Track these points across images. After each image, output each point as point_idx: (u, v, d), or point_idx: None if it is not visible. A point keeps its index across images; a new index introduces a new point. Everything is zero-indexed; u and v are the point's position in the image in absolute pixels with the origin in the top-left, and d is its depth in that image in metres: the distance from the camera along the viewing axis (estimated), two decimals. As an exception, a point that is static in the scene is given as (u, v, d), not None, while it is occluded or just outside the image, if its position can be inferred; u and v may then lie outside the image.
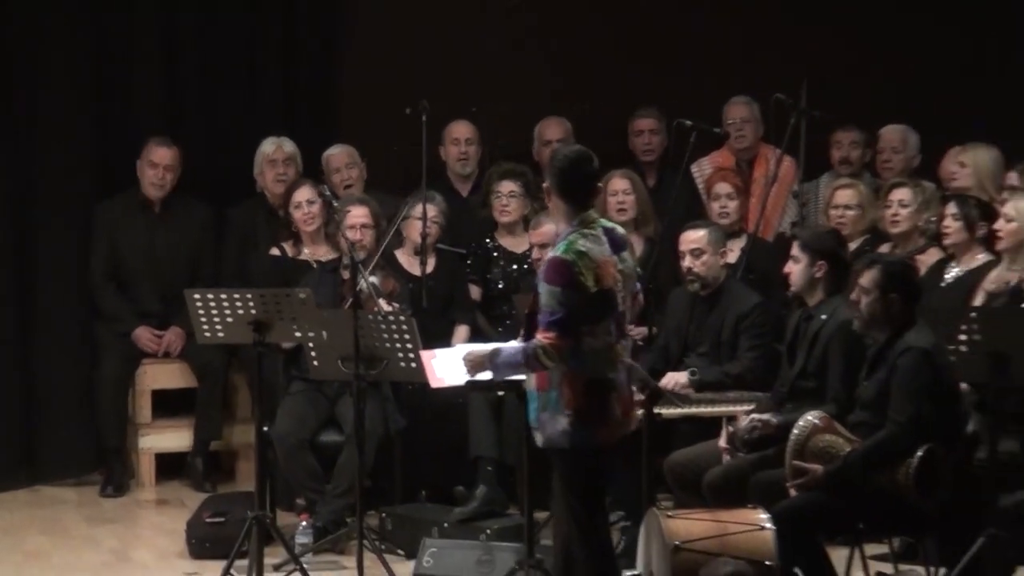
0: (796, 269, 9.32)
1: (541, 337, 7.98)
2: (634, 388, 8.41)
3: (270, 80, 12.07)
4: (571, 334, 8.02)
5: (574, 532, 8.29)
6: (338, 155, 11.49)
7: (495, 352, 8.25)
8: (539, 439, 8.17)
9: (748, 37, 12.11)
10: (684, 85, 11.83)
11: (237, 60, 12.01)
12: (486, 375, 8.64)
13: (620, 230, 8.36)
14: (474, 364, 8.27)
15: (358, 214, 10.50)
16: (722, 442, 9.27)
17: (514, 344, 8.22)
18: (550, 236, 9.79)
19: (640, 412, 9.01)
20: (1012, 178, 10.54)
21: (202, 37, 11.91)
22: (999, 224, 9.77)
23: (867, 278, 8.78)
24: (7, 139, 11.54)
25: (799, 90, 10.79)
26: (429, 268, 10.77)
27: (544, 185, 8.32)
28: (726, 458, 9.23)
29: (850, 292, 9.12)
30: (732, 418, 9.39)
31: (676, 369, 10.06)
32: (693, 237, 10.08)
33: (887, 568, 9.22)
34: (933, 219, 10.55)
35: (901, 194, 10.52)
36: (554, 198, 8.24)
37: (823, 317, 9.24)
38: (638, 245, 10.72)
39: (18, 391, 11.61)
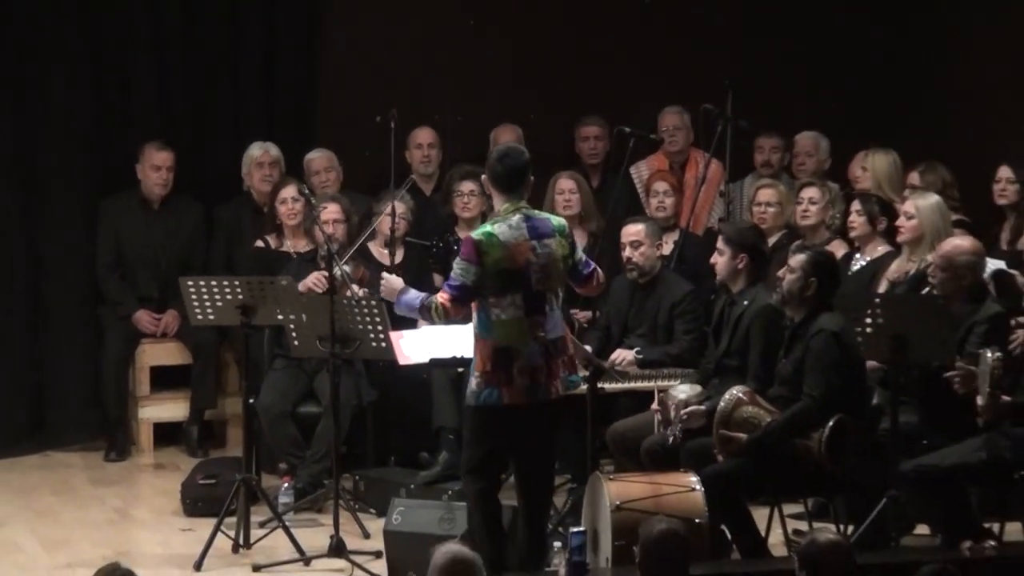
0: (721, 261, 9.36)
1: (438, 296, 8.21)
2: (563, 362, 8.36)
3: (255, 92, 12.02)
4: (465, 301, 8.25)
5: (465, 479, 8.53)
6: (318, 159, 11.48)
7: (404, 289, 8.46)
8: None
9: (680, 53, 12.10)
10: (624, 96, 11.83)
11: (224, 74, 11.96)
12: (426, 333, 9.33)
13: (551, 221, 8.42)
14: (388, 291, 8.47)
15: (332, 210, 10.56)
16: (656, 420, 9.30)
17: (421, 293, 8.39)
18: None
19: (584, 386, 9.00)
20: (913, 178, 10.61)
21: (192, 53, 11.85)
22: (901, 220, 9.84)
23: (796, 260, 8.85)
24: (21, 141, 11.50)
25: (725, 101, 10.84)
26: (398, 259, 10.83)
27: (483, 177, 8.48)
28: (657, 422, 9.25)
29: (770, 281, 9.20)
30: (663, 390, 9.40)
31: (616, 348, 10.08)
32: (633, 230, 10.13)
33: (802, 525, 9.22)
34: (838, 215, 10.66)
35: (810, 192, 10.61)
36: (491, 188, 8.43)
37: (745, 303, 9.28)
38: (583, 239, 10.72)
39: (30, 366, 11.62)
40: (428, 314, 8.35)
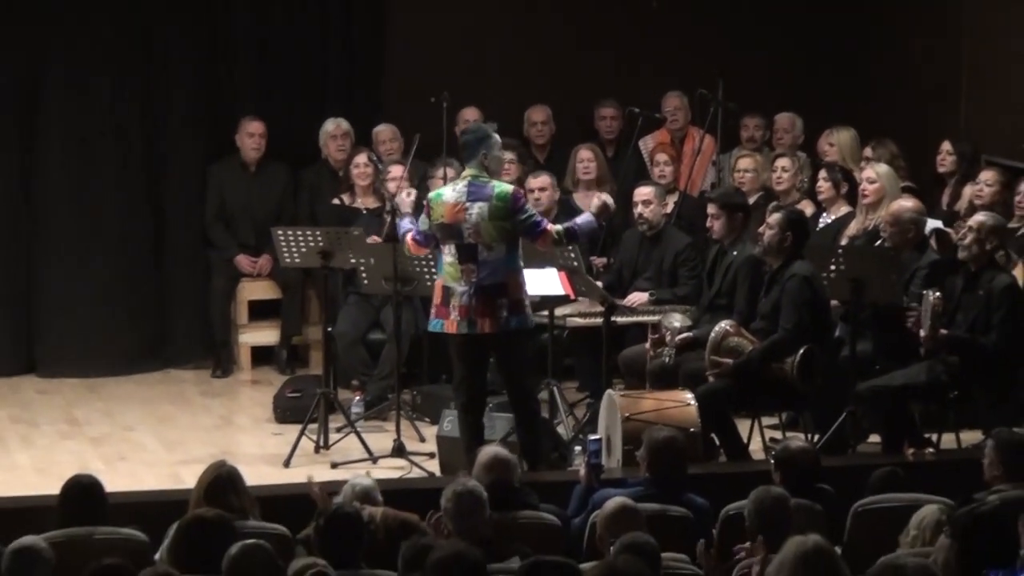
0: (718, 224, 9.35)
1: (408, 235, 8.64)
2: (502, 304, 8.34)
3: (333, 74, 11.91)
4: (423, 244, 8.61)
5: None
6: (384, 131, 11.42)
7: (403, 215, 8.92)
8: None
9: (679, 47, 11.99)
10: (634, 82, 11.75)
11: (308, 59, 11.85)
12: None
13: (494, 187, 8.39)
14: (400, 204, 9.10)
15: (396, 173, 10.60)
16: (648, 344, 9.31)
17: (411, 225, 8.68)
18: (547, 183, 10.55)
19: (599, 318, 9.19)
20: (868, 152, 10.64)
21: (283, 41, 11.76)
22: (864, 184, 9.87)
23: (773, 218, 8.91)
24: (147, 117, 11.46)
25: (717, 87, 10.78)
26: None
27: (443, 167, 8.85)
28: (650, 355, 9.26)
29: (752, 234, 9.24)
30: (655, 326, 9.40)
31: (627, 289, 10.08)
32: (644, 191, 10.14)
33: (777, 434, 9.23)
34: (806, 180, 10.70)
35: (783, 162, 10.64)
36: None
37: (734, 253, 9.30)
38: (596, 200, 10.82)
39: (154, 300, 11.58)
40: (402, 245, 8.79)
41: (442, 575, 5.27)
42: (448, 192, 8.46)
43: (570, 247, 9.18)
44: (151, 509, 7.08)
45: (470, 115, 11.47)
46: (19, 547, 6.06)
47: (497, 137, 8.64)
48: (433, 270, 9.37)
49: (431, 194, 8.62)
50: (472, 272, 8.31)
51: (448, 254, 8.40)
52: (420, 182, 10.78)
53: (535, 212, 8.67)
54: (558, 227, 8.55)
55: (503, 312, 8.33)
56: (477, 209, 8.29)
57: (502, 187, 8.45)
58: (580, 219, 8.73)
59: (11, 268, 11.37)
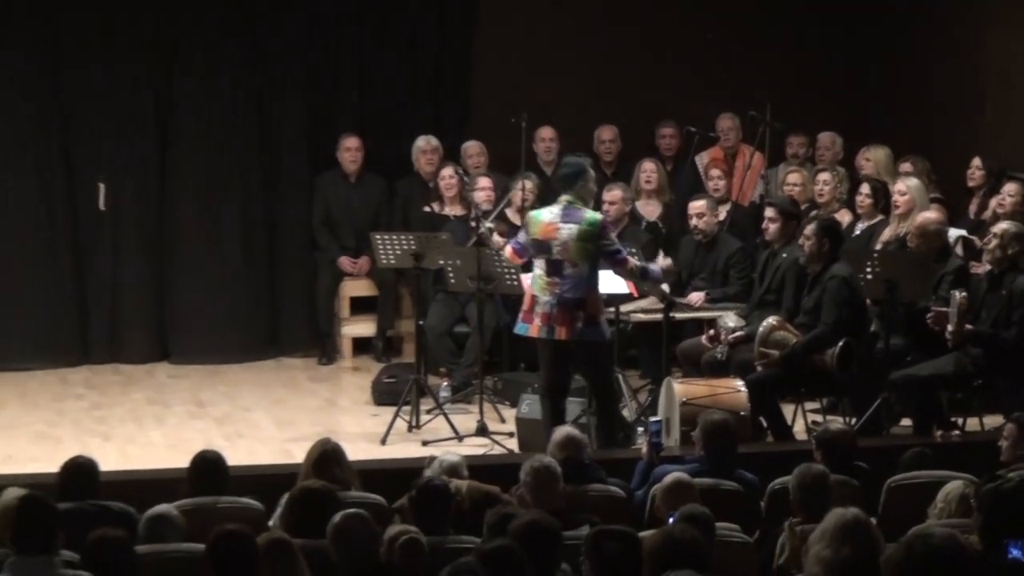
0: (773, 227, 9.36)
1: (507, 246, 8.79)
2: (578, 316, 8.35)
3: (425, 97, 11.93)
4: (521, 254, 8.63)
5: None
6: (471, 147, 11.43)
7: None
8: None
9: (730, 71, 11.97)
10: (691, 105, 11.69)
11: (403, 84, 11.85)
12: None
13: (586, 214, 8.43)
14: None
15: (483, 184, 10.62)
16: (704, 339, 9.32)
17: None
18: (618, 198, 10.41)
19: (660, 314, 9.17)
20: (905, 167, 10.55)
21: (381, 68, 11.77)
22: (896, 196, 9.80)
23: (809, 229, 8.85)
24: (262, 136, 11.53)
25: (765, 109, 10.73)
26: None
27: (531, 174, 9.04)
28: (708, 346, 9.27)
29: (798, 239, 9.19)
30: (712, 322, 9.41)
31: (685, 289, 10.06)
32: (698, 205, 10.16)
33: (818, 418, 9.20)
34: (844, 192, 10.64)
35: (824, 176, 10.60)
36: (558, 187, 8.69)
37: (783, 255, 9.28)
38: (658, 208, 10.83)
39: (268, 297, 11.63)
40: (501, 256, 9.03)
41: (523, 540, 5.28)
42: (545, 213, 8.53)
43: (634, 251, 9.17)
44: (266, 481, 7.10)
45: (546, 133, 11.50)
46: (154, 514, 6.17)
47: (592, 171, 8.71)
48: (511, 270, 9.45)
49: (530, 213, 8.72)
50: (556, 285, 8.36)
51: (538, 267, 8.47)
52: (501, 194, 10.81)
53: (618, 243, 8.69)
54: (636, 263, 8.73)
55: (579, 324, 8.37)
56: (567, 230, 8.34)
57: (593, 215, 8.53)
58: (653, 267, 8.89)
59: (148, 270, 11.46)
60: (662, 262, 9.11)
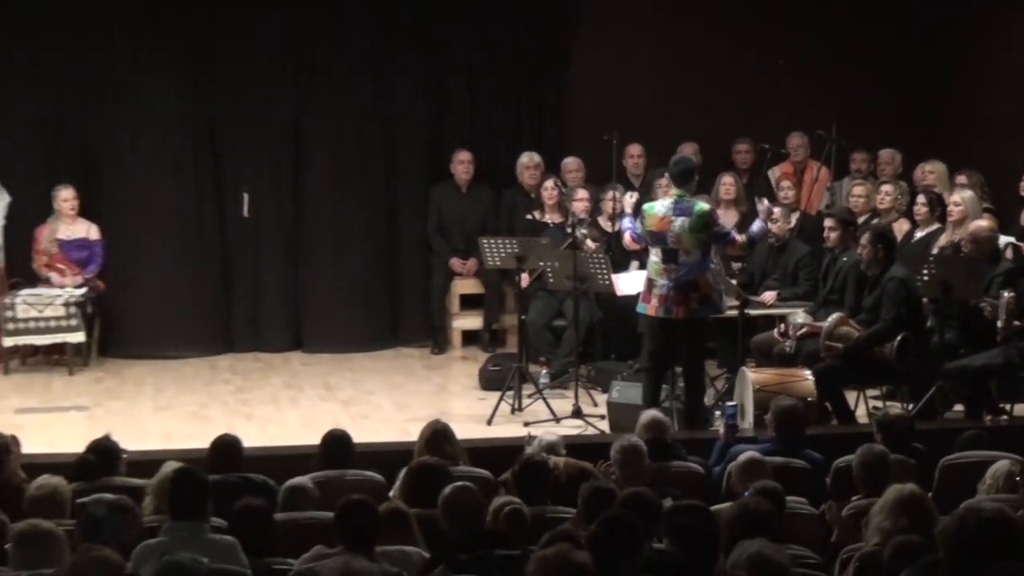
0: (833, 235, 9.32)
1: (625, 233, 8.82)
2: (693, 297, 8.44)
3: (527, 118, 11.93)
4: (637, 243, 8.71)
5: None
6: (570, 162, 11.37)
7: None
8: None
9: (800, 93, 11.90)
10: (764, 123, 11.59)
11: (509, 105, 11.88)
12: (631, 276, 9.64)
13: (695, 205, 8.48)
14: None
15: (580, 196, 10.61)
16: (775, 333, 9.29)
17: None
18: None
19: (736, 310, 9.12)
20: (961, 179, 10.42)
21: (491, 90, 11.82)
22: (951, 207, 9.69)
23: (864, 239, 8.80)
24: (384, 151, 11.58)
25: (831, 127, 10.64)
26: (612, 229, 10.71)
27: (666, 174, 8.88)
28: (779, 340, 9.22)
29: (858, 246, 9.11)
30: (782, 318, 9.37)
31: (758, 288, 9.99)
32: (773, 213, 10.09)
33: (879, 403, 9.14)
34: (904, 203, 10.53)
35: (886, 188, 10.49)
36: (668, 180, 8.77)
37: (844, 259, 9.22)
38: (735, 216, 10.69)
39: (389, 294, 11.67)
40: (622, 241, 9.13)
41: (629, 508, 5.19)
42: (658, 206, 8.54)
43: (714, 258, 9.14)
44: (386, 457, 7.12)
45: (635, 150, 11.47)
46: (292, 485, 6.25)
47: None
48: (604, 270, 9.45)
49: (645, 205, 8.73)
50: (672, 271, 8.41)
51: (654, 255, 8.51)
52: (595, 203, 10.80)
53: (725, 226, 8.75)
54: (742, 237, 8.83)
55: (694, 304, 8.44)
56: (680, 222, 8.39)
57: (701, 205, 8.55)
58: (754, 230, 9.02)
59: (285, 270, 11.58)
60: (756, 225, 9.16)
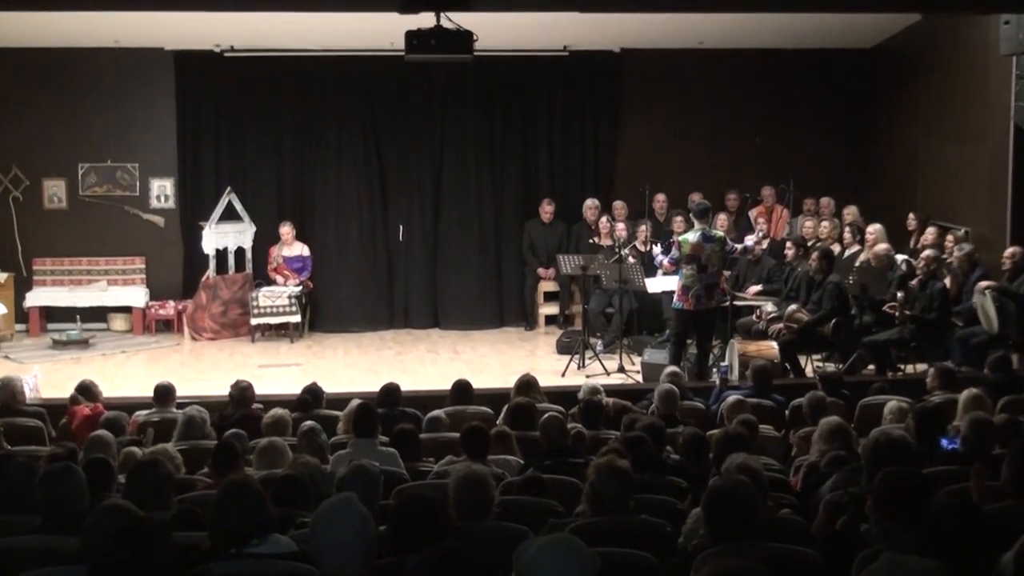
0: (790, 253, 9.44)
1: (664, 259, 8.59)
2: (716, 293, 8.37)
3: (588, 171, 11.68)
4: (675, 264, 8.43)
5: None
6: (618, 205, 11.11)
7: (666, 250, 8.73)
8: None
9: (771, 159, 11.55)
10: (745, 179, 11.24)
11: (572, 159, 11.60)
12: (658, 280, 9.37)
13: (715, 234, 8.45)
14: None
15: (620, 227, 10.57)
16: (753, 317, 9.13)
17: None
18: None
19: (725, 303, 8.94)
20: (873, 225, 9.84)
21: (562, 153, 11.52)
22: (868, 235, 9.48)
23: (814, 256, 8.92)
24: (489, 194, 11.40)
25: (790, 182, 10.47)
26: (644, 249, 10.55)
27: (681, 215, 8.83)
28: (755, 322, 9.07)
29: (808, 261, 8.90)
30: (758, 307, 9.17)
31: (742, 287, 9.80)
32: (748, 239, 9.77)
33: (821, 364, 8.92)
34: (836, 233, 10.18)
35: (825, 223, 10.31)
36: (692, 217, 8.59)
37: (799, 269, 9.29)
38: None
39: (497, 290, 11.51)
40: (665, 268, 8.82)
41: (649, 434, 5.18)
42: (691, 236, 8.54)
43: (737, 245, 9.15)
44: (493, 398, 7.09)
45: (660, 197, 11.29)
46: (431, 416, 6.31)
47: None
48: (640, 277, 9.40)
49: (680, 238, 8.63)
50: (703, 278, 8.43)
51: (688, 269, 8.48)
52: (630, 234, 10.75)
53: (732, 243, 8.80)
54: (740, 247, 8.96)
55: (716, 297, 8.50)
56: (709, 247, 8.43)
57: (719, 233, 8.68)
58: (748, 243, 9.17)
59: (427, 275, 11.52)
60: (749, 241, 9.21)
